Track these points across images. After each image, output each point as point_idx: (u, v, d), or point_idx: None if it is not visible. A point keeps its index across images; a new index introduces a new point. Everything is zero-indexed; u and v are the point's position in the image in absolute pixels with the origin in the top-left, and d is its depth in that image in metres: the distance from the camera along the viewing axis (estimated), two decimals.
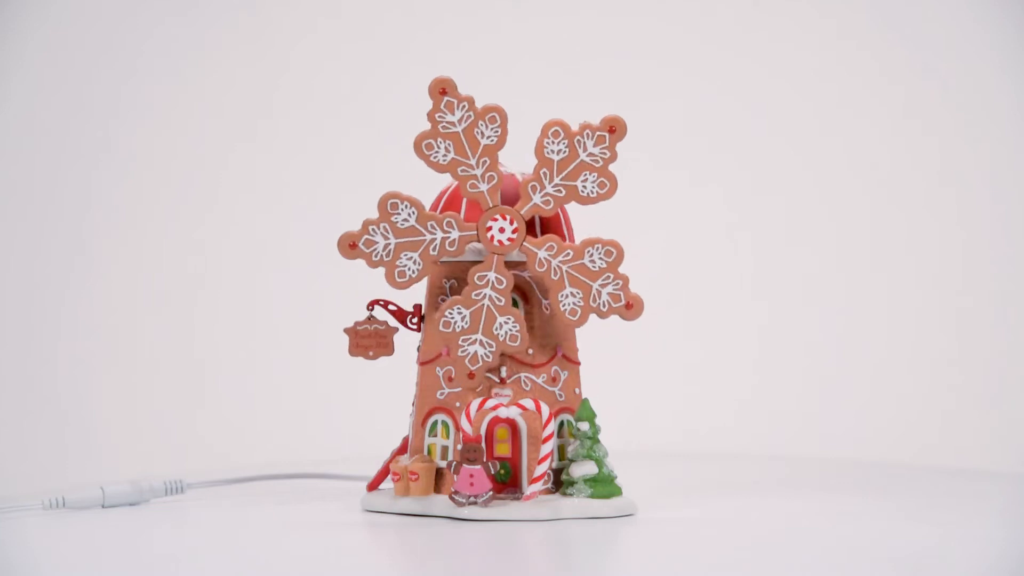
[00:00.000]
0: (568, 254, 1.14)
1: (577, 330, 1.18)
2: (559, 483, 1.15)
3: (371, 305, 1.18)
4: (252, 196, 1.91)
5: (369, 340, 1.17)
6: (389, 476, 1.18)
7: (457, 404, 1.14)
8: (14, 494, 1.25)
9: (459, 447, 1.12)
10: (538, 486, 1.12)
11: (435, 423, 1.16)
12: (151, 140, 1.89)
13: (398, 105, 1.87)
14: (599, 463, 1.13)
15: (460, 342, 1.13)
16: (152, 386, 1.86)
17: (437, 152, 1.13)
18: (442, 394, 1.16)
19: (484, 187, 1.13)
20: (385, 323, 1.17)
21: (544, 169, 1.13)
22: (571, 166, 1.13)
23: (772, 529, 1.11)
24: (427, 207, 1.16)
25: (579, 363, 1.18)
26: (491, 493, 1.11)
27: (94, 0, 1.88)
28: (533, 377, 1.15)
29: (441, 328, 1.13)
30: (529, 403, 1.13)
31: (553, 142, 1.13)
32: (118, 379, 1.86)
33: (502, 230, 1.14)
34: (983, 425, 1.82)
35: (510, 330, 1.13)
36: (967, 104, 1.88)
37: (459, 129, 1.13)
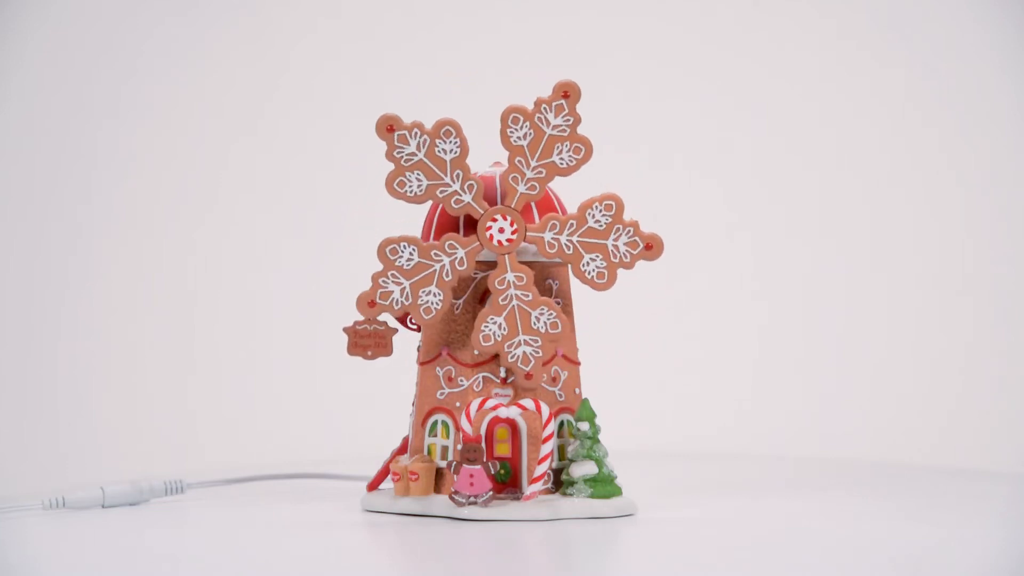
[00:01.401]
0: (571, 225, 1.14)
1: (577, 330, 1.18)
2: (559, 483, 1.15)
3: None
4: (252, 196, 1.91)
5: (368, 340, 1.17)
6: (389, 476, 1.18)
7: (457, 404, 1.15)
8: (14, 494, 1.25)
9: (459, 447, 1.12)
10: (538, 486, 1.12)
11: (435, 423, 1.16)
12: (151, 140, 1.89)
13: (398, 105, 1.87)
14: (599, 463, 1.13)
15: (506, 349, 1.13)
16: (152, 386, 1.86)
17: (411, 186, 1.13)
18: (442, 394, 1.16)
19: (468, 197, 1.13)
20: (384, 323, 1.17)
21: (518, 157, 1.13)
22: (542, 144, 1.13)
23: (772, 529, 1.11)
24: (421, 225, 1.16)
25: (579, 363, 1.18)
26: (491, 493, 1.11)
27: (94, 0, 1.88)
28: None
29: (483, 344, 1.13)
30: (529, 403, 1.13)
31: (515, 128, 1.13)
32: (118, 379, 1.86)
33: (502, 230, 1.14)
34: (983, 425, 1.82)
35: (548, 320, 1.13)
36: (967, 104, 1.88)
37: (421, 156, 1.13)
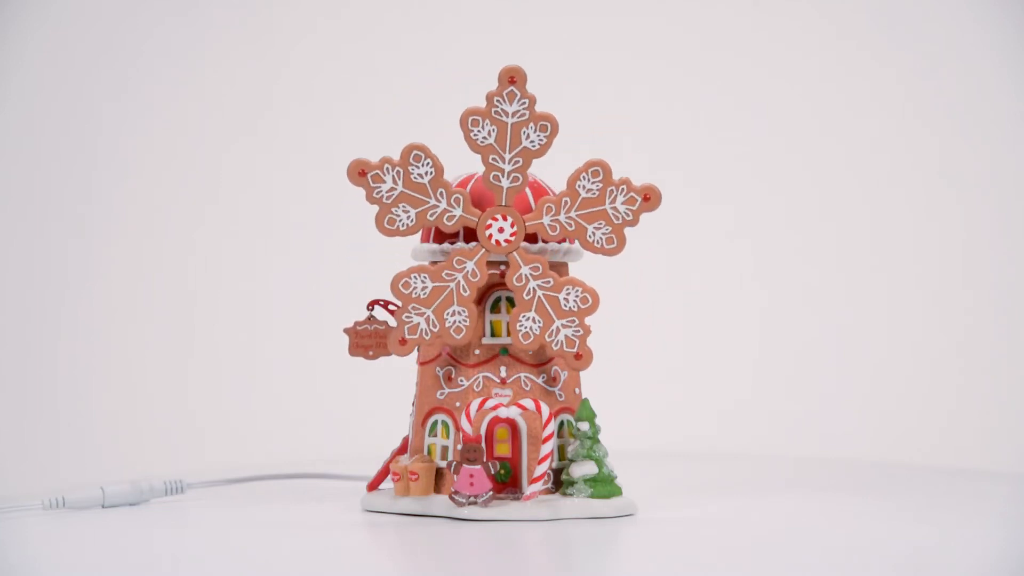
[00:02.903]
0: (548, 282, 1.14)
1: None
2: (559, 483, 1.15)
3: (371, 305, 1.18)
4: (252, 196, 1.91)
5: (369, 340, 1.17)
6: (389, 476, 1.18)
7: (457, 404, 1.15)
8: (14, 494, 1.25)
9: (459, 447, 1.12)
10: (538, 486, 1.12)
11: (435, 423, 1.16)
12: (150, 140, 1.89)
13: (398, 104, 1.88)
14: (599, 463, 1.13)
15: (409, 308, 1.13)
16: (152, 386, 1.86)
17: (479, 132, 1.13)
18: (442, 394, 1.16)
19: (505, 184, 1.13)
20: (385, 323, 1.17)
21: (567, 198, 1.13)
22: (592, 208, 1.13)
23: (772, 529, 1.11)
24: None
25: None
26: (491, 493, 1.11)
27: (94, 0, 1.88)
28: (533, 377, 1.15)
29: (399, 288, 1.13)
30: (529, 403, 1.13)
31: (589, 180, 1.13)
32: (118, 379, 1.86)
33: (501, 230, 1.14)
34: (983, 425, 1.82)
35: (458, 321, 1.13)
36: (967, 104, 1.88)
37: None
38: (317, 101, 1.91)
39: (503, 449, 1.14)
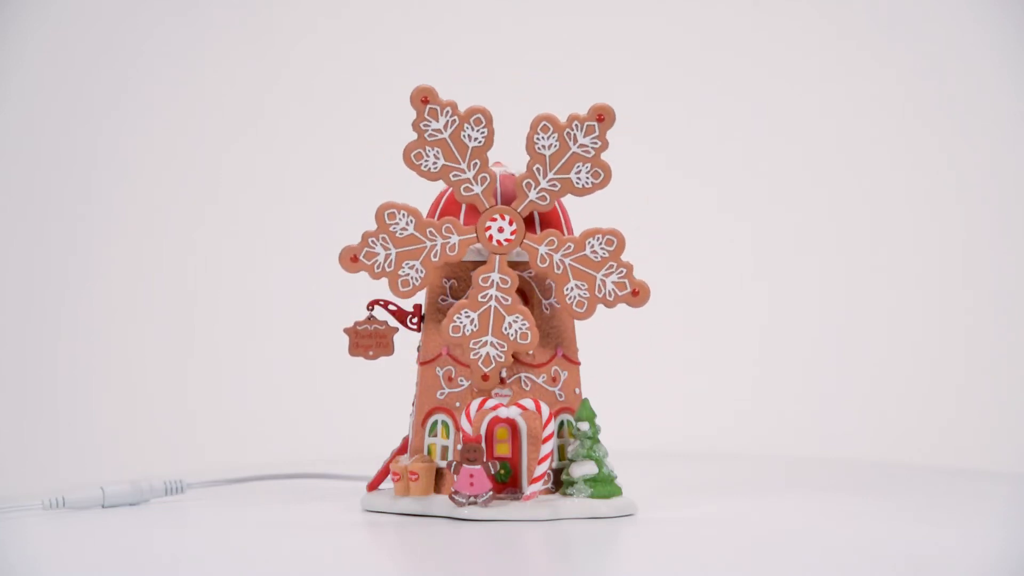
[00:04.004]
0: (569, 247, 1.14)
1: (577, 330, 1.18)
2: (559, 483, 1.15)
3: (371, 305, 1.18)
4: (251, 196, 1.91)
5: (369, 340, 1.17)
6: (389, 476, 1.18)
7: (457, 404, 1.15)
8: (14, 494, 1.25)
9: (459, 447, 1.12)
10: (538, 486, 1.12)
11: (435, 423, 1.16)
12: (150, 140, 1.89)
13: (397, 104, 1.87)
14: (599, 463, 1.13)
15: (471, 345, 1.13)
16: (152, 386, 1.86)
17: (427, 161, 1.13)
18: (442, 394, 1.16)
19: (478, 189, 1.13)
20: (385, 323, 1.17)
21: (537, 165, 1.13)
22: (563, 159, 1.13)
23: (772, 529, 1.11)
24: (425, 211, 1.16)
25: (579, 363, 1.18)
26: (491, 493, 1.11)
27: (94, 0, 1.88)
28: (533, 377, 1.15)
29: (451, 334, 1.13)
30: (529, 403, 1.13)
31: (543, 137, 1.13)
32: (118, 379, 1.86)
33: (501, 230, 1.14)
34: (983, 425, 1.82)
35: (520, 328, 1.13)
36: (967, 104, 1.88)
37: (446, 135, 1.13)
38: (317, 101, 1.91)
39: (503, 449, 1.14)
